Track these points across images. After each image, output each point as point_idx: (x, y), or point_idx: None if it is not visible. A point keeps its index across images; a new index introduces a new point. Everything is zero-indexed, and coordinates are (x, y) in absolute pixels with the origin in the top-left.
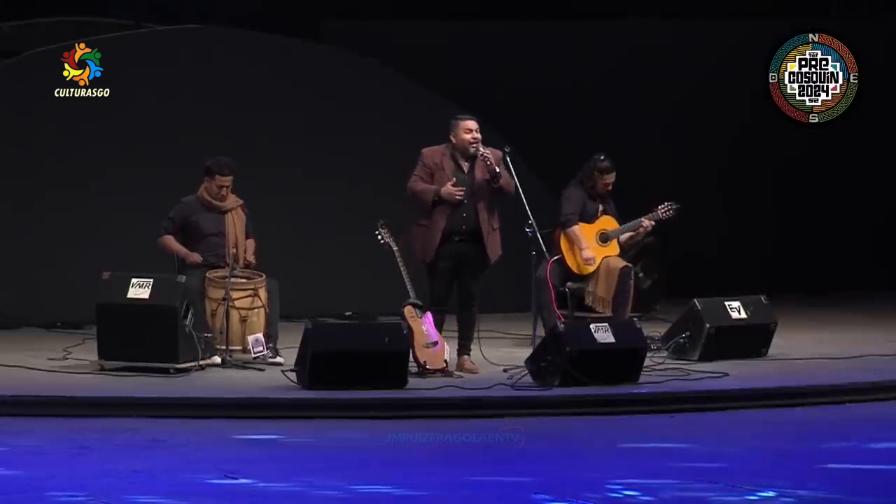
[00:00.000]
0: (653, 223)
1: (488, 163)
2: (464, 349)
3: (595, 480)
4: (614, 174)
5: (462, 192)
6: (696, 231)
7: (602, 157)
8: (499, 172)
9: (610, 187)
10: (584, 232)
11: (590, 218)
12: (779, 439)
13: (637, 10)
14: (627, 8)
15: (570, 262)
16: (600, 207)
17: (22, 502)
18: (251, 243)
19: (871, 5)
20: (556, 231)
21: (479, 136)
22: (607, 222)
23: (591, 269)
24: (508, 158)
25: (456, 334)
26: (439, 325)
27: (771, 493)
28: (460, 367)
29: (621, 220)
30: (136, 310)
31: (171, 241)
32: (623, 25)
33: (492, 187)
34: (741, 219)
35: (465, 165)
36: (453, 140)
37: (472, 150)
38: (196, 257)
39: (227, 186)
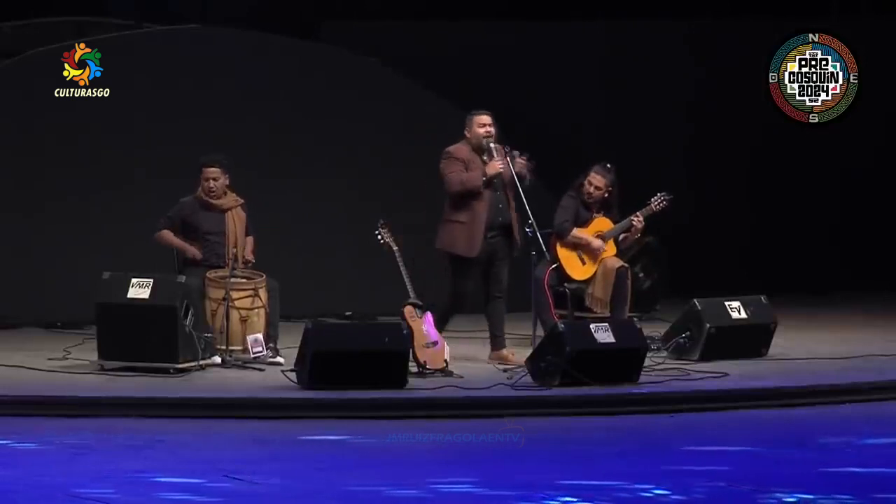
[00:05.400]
0: (642, 221)
1: (508, 151)
2: (500, 342)
3: (595, 480)
4: (601, 178)
5: (502, 163)
6: (695, 230)
7: (606, 165)
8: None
9: (593, 189)
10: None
11: (584, 223)
12: (779, 439)
13: (637, 10)
14: (627, 8)
15: (568, 269)
16: (594, 214)
17: (22, 502)
18: (250, 241)
19: (871, 5)
20: (553, 240)
21: (492, 129)
22: (602, 223)
23: (603, 253)
24: (509, 158)
25: (458, 334)
26: (442, 322)
27: (771, 494)
28: (504, 359)
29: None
30: (136, 310)
31: (168, 234)
32: (623, 26)
33: (511, 178)
34: (741, 218)
35: (485, 159)
36: (468, 135)
37: (485, 143)
38: (194, 251)
39: (216, 179)
